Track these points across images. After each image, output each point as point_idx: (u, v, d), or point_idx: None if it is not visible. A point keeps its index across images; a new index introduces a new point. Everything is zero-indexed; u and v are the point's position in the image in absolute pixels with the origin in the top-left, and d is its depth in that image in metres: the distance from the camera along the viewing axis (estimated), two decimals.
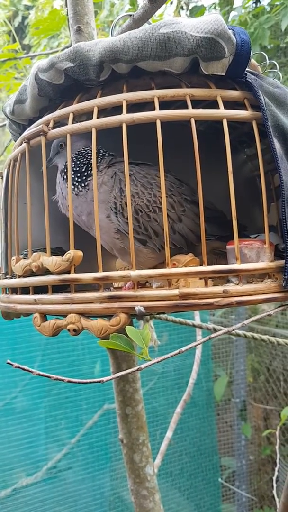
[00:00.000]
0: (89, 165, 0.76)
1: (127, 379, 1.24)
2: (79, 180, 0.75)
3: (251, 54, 0.64)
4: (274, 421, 2.59)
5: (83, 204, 0.75)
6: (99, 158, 0.77)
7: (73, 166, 0.77)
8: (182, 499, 2.35)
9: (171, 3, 2.77)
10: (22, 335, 2.00)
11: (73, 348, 2.14)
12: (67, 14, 1.19)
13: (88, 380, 0.46)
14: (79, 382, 0.45)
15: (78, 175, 0.76)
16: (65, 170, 0.78)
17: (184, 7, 2.81)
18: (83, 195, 0.75)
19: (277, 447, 1.70)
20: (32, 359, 2.05)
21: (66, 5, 1.22)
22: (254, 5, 2.58)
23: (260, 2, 2.59)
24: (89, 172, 0.76)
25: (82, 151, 0.78)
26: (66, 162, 0.78)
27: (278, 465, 1.64)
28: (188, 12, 2.79)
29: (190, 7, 2.77)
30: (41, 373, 0.45)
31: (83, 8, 1.16)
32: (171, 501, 2.29)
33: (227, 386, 2.61)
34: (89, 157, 0.77)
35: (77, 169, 0.76)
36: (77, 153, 0.78)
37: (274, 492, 1.52)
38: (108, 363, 1.25)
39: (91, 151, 0.78)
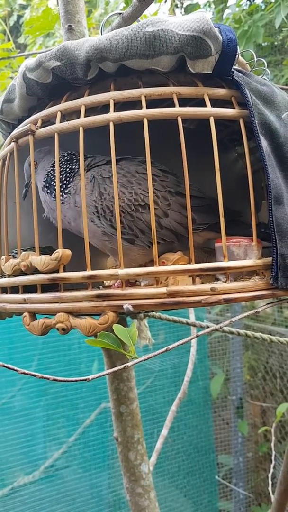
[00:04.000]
0: (66, 173, 0.77)
1: (121, 377, 1.24)
2: (61, 188, 0.76)
3: (238, 52, 0.65)
4: (271, 418, 2.59)
5: (68, 211, 0.75)
6: (75, 165, 0.77)
7: (52, 177, 0.78)
8: (180, 497, 2.35)
9: (165, 1, 2.77)
10: (19, 334, 2.00)
11: (69, 347, 2.14)
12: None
13: (74, 379, 0.46)
14: (64, 381, 0.46)
15: (60, 184, 0.76)
16: (46, 185, 0.79)
17: (179, 5, 2.80)
18: (66, 201, 0.75)
19: (272, 444, 1.70)
20: (29, 358, 2.05)
21: (58, 4, 1.22)
22: (248, 3, 2.58)
23: (254, 0, 2.59)
24: (68, 179, 0.76)
25: (50, 167, 0.79)
26: (45, 176, 0.79)
27: (273, 462, 1.65)
28: (182, 10, 2.79)
29: (184, 5, 2.77)
30: (26, 371, 0.45)
31: (74, 7, 1.16)
32: (168, 499, 2.30)
33: (223, 384, 2.61)
34: (66, 165, 0.78)
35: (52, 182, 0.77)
36: (52, 164, 0.79)
37: (270, 489, 1.53)
38: None
39: (65, 159, 0.78)
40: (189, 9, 2.74)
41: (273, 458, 1.68)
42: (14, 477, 1.99)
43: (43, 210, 0.81)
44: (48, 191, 0.78)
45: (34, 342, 2.03)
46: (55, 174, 0.77)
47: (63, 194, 0.75)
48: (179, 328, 2.26)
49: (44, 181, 0.79)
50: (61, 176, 0.77)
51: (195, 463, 2.42)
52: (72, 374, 2.14)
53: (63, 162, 0.78)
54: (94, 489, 2.12)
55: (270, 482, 1.64)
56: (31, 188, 0.68)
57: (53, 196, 0.77)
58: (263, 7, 2.39)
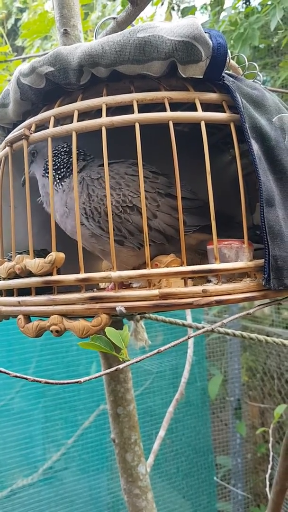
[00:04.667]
0: (65, 164, 0.78)
1: (118, 379, 1.25)
2: (59, 177, 0.77)
3: (229, 56, 0.65)
4: (269, 420, 2.60)
5: (56, 202, 0.76)
6: (69, 165, 0.78)
7: (53, 163, 0.78)
8: (178, 498, 2.36)
9: (162, 3, 2.78)
10: (17, 336, 2.00)
11: (67, 349, 2.14)
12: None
13: (66, 381, 0.47)
14: (56, 383, 0.46)
15: (58, 172, 0.77)
16: (47, 170, 0.79)
17: (175, 7, 2.82)
18: (59, 193, 0.76)
19: (270, 445, 1.71)
20: (27, 360, 2.06)
21: (54, 8, 1.23)
22: (244, 5, 2.59)
23: (250, 3, 2.60)
24: (65, 172, 0.77)
25: (55, 152, 0.79)
26: (45, 162, 0.80)
27: (271, 463, 1.65)
28: (179, 13, 2.80)
29: (181, 8, 2.78)
30: (18, 374, 0.46)
31: (69, 11, 1.16)
32: (167, 500, 2.30)
33: (221, 385, 2.62)
34: (63, 156, 0.78)
35: (55, 167, 0.78)
36: (53, 153, 0.79)
37: (267, 489, 1.53)
38: None
39: (65, 150, 0.79)
40: (185, 12, 2.76)
41: (271, 459, 1.68)
42: (13, 479, 2.00)
43: (38, 212, 0.81)
44: (48, 175, 0.78)
45: (32, 344, 2.03)
46: (56, 160, 0.78)
47: (58, 183, 0.76)
48: (177, 329, 2.27)
49: (44, 169, 0.80)
50: (59, 165, 0.78)
51: (193, 464, 2.42)
52: (70, 376, 2.14)
53: (63, 153, 0.79)
54: (93, 490, 2.13)
55: (268, 483, 1.64)
56: (26, 190, 0.69)
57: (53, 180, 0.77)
58: (259, 9, 2.40)
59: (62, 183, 0.76)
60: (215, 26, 2.42)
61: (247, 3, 2.62)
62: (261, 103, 0.65)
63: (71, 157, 0.77)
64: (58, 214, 0.76)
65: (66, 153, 0.79)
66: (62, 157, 0.78)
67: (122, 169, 0.74)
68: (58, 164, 0.78)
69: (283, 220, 0.61)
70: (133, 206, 0.71)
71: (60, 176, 0.77)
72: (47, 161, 0.79)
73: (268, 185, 0.61)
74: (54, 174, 0.77)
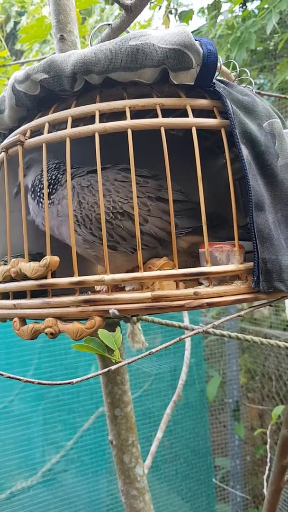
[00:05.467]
0: (52, 182, 0.78)
1: (115, 381, 1.26)
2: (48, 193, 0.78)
3: (220, 63, 0.67)
4: (268, 421, 2.60)
5: (51, 220, 0.77)
6: (60, 174, 0.79)
7: (39, 184, 0.80)
8: (177, 500, 2.36)
9: (160, 8, 2.80)
10: (16, 339, 2.01)
11: (66, 352, 2.15)
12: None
13: (58, 382, 0.48)
14: (49, 384, 0.47)
15: (43, 192, 0.78)
16: (32, 189, 0.81)
17: (173, 11, 2.84)
18: (50, 210, 0.77)
19: (268, 446, 1.71)
20: (27, 363, 2.06)
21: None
22: (241, 9, 2.61)
23: (246, 7, 2.62)
24: (52, 189, 0.78)
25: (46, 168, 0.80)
26: (33, 181, 0.81)
27: (269, 464, 1.66)
28: (177, 17, 2.82)
29: (178, 12, 2.80)
30: (11, 375, 0.47)
31: (66, 17, 1.18)
32: (166, 502, 2.31)
33: (220, 387, 2.63)
34: (52, 173, 0.79)
35: (42, 186, 0.78)
36: (41, 170, 0.80)
37: (265, 491, 1.54)
38: None
39: (54, 166, 0.80)
40: (183, 16, 2.78)
41: (268, 460, 1.69)
42: (13, 481, 2.00)
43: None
44: (33, 195, 0.80)
45: (31, 347, 2.04)
46: (41, 181, 0.79)
47: (50, 205, 0.77)
48: (175, 332, 2.28)
49: (31, 185, 0.81)
50: (48, 183, 0.78)
51: (192, 466, 2.43)
52: (69, 378, 2.14)
53: (50, 170, 0.79)
54: (92, 493, 2.13)
55: (265, 484, 1.65)
56: (21, 195, 0.70)
57: (36, 201, 0.79)
58: (256, 12, 2.42)
59: (51, 197, 0.78)
60: (212, 30, 2.44)
61: (244, 7, 2.64)
62: (251, 109, 0.67)
63: (59, 173, 0.79)
64: (55, 228, 0.78)
65: (54, 170, 0.80)
66: (51, 173, 0.79)
67: (112, 176, 0.75)
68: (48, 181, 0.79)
69: (273, 224, 0.63)
70: (123, 212, 0.72)
71: (48, 191, 0.78)
72: (37, 176, 0.81)
73: (257, 189, 0.62)
74: (39, 194, 0.79)
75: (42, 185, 0.79)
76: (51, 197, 0.77)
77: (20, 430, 2.01)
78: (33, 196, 0.80)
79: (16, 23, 4.36)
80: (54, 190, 0.78)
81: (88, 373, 2.19)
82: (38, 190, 0.79)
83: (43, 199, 0.77)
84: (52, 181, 0.78)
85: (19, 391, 2.03)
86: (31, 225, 0.81)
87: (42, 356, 2.09)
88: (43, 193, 0.77)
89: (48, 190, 0.77)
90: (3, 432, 1.97)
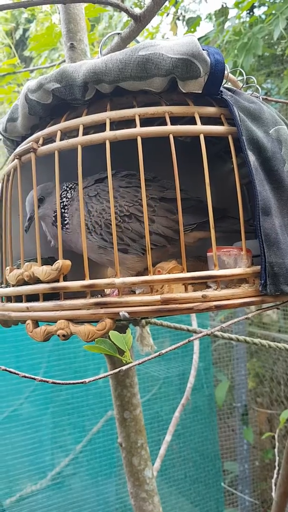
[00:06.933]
0: (64, 209, 0.82)
1: (124, 384, 1.27)
2: (64, 221, 0.81)
3: (227, 71, 0.68)
4: (276, 426, 2.60)
5: (73, 237, 0.80)
6: (69, 193, 0.82)
7: (55, 216, 0.82)
8: (186, 504, 2.36)
9: (167, 14, 2.83)
10: (25, 342, 2.03)
11: (75, 355, 2.17)
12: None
13: (72, 382, 0.50)
14: (62, 383, 0.49)
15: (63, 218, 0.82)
16: (52, 220, 0.84)
17: (180, 18, 2.86)
18: (71, 229, 0.81)
19: (276, 450, 1.72)
20: (36, 366, 2.08)
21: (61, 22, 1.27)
22: (248, 15, 2.63)
23: (253, 13, 2.63)
24: (65, 212, 0.81)
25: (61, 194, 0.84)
26: (53, 213, 0.84)
27: (277, 467, 1.66)
28: (184, 23, 2.84)
29: (186, 18, 2.82)
30: (27, 375, 0.49)
31: (76, 26, 1.21)
32: (174, 505, 2.31)
33: (228, 391, 2.63)
34: (63, 202, 0.82)
35: (62, 215, 0.82)
36: (55, 203, 0.83)
37: (273, 494, 1.54)
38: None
39: (64, 196, 0.83)
40: (190, 22, 2.80)
41: (277, 464, 1.69)
42: (22, 484, 2.02)
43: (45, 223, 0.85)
44: (52, 223, 0.84)
45: (40, 350, 2.06)
46: (64, 205, 0.82)
47: (67, 225, 0.81)
48: (183, 335, 2.28)
49: (54, 216, 0.84)
50: (62, 209, 0.81)
51: (201, 470, 2.43)
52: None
53: (64, 193, 0.83)
54: (101, 496, 2.14)
55: (274, 488, 1.65)
56: (34, 201, 0.72)
57: (64, 229, 0.81)
58: (263, 18, 2.43)
59: (67, 218, 0.81)
60: (219, 36, 2.46)
61: (251, 13, 2.66)
62: (258, 116, 0.68)
63: (73, 192, 0.82)
64: (72, 241, 0.81)
65: (67, 191, 0.83)
66: (63, 198, 0.82)
67: (116, 183, 0.78)
68: (61, 209, 0.82)
69: (280, 228, 0.64)
70: (130, 215, 0.76)
71: (66, 220, 0.81)
72: (55, 210, 0.83)
73: (264, 194, 0.64)
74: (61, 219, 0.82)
75: (63, 214, 0.82)
76: (66, 217, 0.80)
77: (30, 433, 2.02)
78: (52, 223, 0.83)
79: (25, 30, 4.42)
80: (67, 210, 0.81)
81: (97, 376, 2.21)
82: (54, 220, 0.83)
83: (67, 224, 0.81)
84: (66, 203, 0.81)
85: (29, 395, 2.05)
86: (42, 230, 0.83)
87: (51, 359, 2.11)
88: (64, 219, 0.81)
89: (64, 214, 0.80)
90: (13, 435, 1.99)
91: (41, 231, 0.72)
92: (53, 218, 0.83)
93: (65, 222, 0.81)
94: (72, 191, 0.83)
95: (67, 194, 0.82)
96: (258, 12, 2.66)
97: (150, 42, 0.64)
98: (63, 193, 0.82)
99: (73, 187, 0.83)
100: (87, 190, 0.79)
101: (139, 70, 0.64)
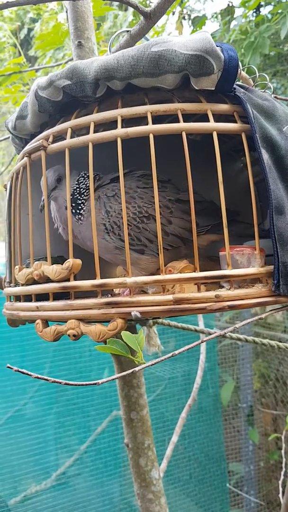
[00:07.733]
0: (85, 191, 0.80)
1: (131, 384, 1.26)
2: (80, 207, 0.79)
3: (240, 68, 0.67)
4: (282, 426, 2.59)
5: (86, 231, 0.79)
6: (86, 192, 0.81)
7: (77, 195, 0.81)
8: (191, 505, 2.35)
9: (173, 13, 2.82)
10: (30, 342, 2.03)
11: (80, 355, 2.16)
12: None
13: (85, 383, 0.49)
14: (76, 385, 0.48)
15: (78, 204, 0.80)
16: (72, 204, 0.81)
17: (186, 17, 2.85)
18: (84, 221, 0.79)
19: (283, 451, 1.71)
20: (41, 366, 2.08)
21: (68, 21, 1.27)
22: (254, 14, 2.62)
23: (260, 12, 2.62)
24: (81, 201, 0.80)
25: (75, 185, 0.82)
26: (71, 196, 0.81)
27: (284, 469, 1.65)
28: (190, 22, 2.83)
29: (192, 17, 2.81)
30: (39, 376, 0.48)
31: (83, 24, 1.20)
32: (180, 506, 2.30)
33: (234, 392, 2.62)
34: (81, 189, 0.81)
35: (76, 201, 0.80)
36: (78, 181, 0.81)
37: (280, 496, 1.53)
38: None
39: (82, 183, 0.81)
40: (196, 21, 2.79)
41: (283, 465, 1.68)
42: (26, 484, 2.01)
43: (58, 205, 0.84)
44: (73, 211, 0.80)
45: (45, 350, 2.05)
46: (81, 192, 0.80)
47: (81, 214, 0.79)
48: (190, 335, 2.28)
49: (65, 200, 0.81)
50: (78, 200, 0.80)
51: (206, 471, 2.42)
52: (83, 381, 2.15)
53: (82, 180, 0.81)
54: (106, 496, 2.13)
55: (281, 490, 1.64)
56: (44, 200, 0.71)
57: (76, 217, 0.79)
58: (270, 17, 2.42)
59: (84, 209, 0.79)
60: (225, 35, 2.45)
61: (258, 12, 2.64)
62: (271, 113, 0.67)
63: (87, 187, 0.80)
64: (88, 239, 0.79)
65: (85, 179, 0.81)
66: (83, 184, 0.81)
67: (134, 183, 0.78)
68: (76, 197, 0.80)
69: None
70: (149, 216, 0.75)
71: (82, 206, 0.80)
72: (74, 189, 0.82)
73: (278, 193, 0.63)
74: (79, 208, 0.80)
75: (76, 199, 0.80)
76: (83, 208, 0.79)
77: (34, 433, 2.02)
78: (73, 211, 0.80)
79: (29, 30, 4.41)
80: (84, 201, 0.79)
81: (102, 376, 2.20)
82: (79, 202, 0.80)
83: (80, 214, 0.79)
84: (85, 190, 0.80)
85: (33, 395, 2.05)
86: (52, 229, 0.82)
87: (55, 359, 2.10)
88: (79, 208, 0.79)
89: (80, 201, 0.79)
90: (17, 435, 1.98)
91: (50, 228, 0.71)
92: (64, 201, 0.82)
93: (80, 210, 0.79)
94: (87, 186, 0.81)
95: (86, 182, 0.80)
96: (264, 11, 2.65)
97: (162, 38, 0.63)
98: (81, 179, 0.81)
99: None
100: (104, 190, 0.78)
101: (152, 66, 0.63)
